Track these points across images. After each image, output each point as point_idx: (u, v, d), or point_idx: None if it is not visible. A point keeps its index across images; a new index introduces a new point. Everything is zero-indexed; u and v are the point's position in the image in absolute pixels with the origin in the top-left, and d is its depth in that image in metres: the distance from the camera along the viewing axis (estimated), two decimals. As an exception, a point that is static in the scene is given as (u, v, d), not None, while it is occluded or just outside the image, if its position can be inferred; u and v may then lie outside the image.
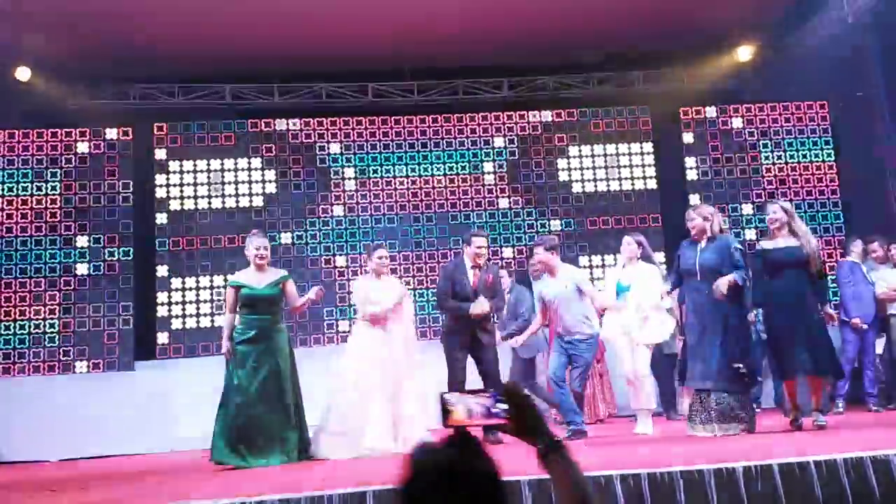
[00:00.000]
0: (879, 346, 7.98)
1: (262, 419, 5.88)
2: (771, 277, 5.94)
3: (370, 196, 10.47)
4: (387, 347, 6.36)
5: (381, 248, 6.70)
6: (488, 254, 6.83)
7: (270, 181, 10.40)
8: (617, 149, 10.80)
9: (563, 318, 6.49)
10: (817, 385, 5.97)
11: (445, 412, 1.70)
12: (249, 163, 10.40)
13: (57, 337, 9.64)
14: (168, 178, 10.26)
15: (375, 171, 10.54)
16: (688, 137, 10.79)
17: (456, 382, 6.47)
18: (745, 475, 3.67)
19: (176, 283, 10.02)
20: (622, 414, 8.82)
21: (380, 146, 10.61)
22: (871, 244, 8.19)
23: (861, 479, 3.67)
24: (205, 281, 10.04)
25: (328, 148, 10.54)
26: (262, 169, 10.41)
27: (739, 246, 6.01)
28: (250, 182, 10.37)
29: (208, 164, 10.35)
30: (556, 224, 10.53)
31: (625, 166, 10.78)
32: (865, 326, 7.77)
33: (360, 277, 6.83)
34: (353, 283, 6.84)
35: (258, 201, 10.33)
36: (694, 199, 10.46)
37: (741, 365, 5.73)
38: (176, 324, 9.93)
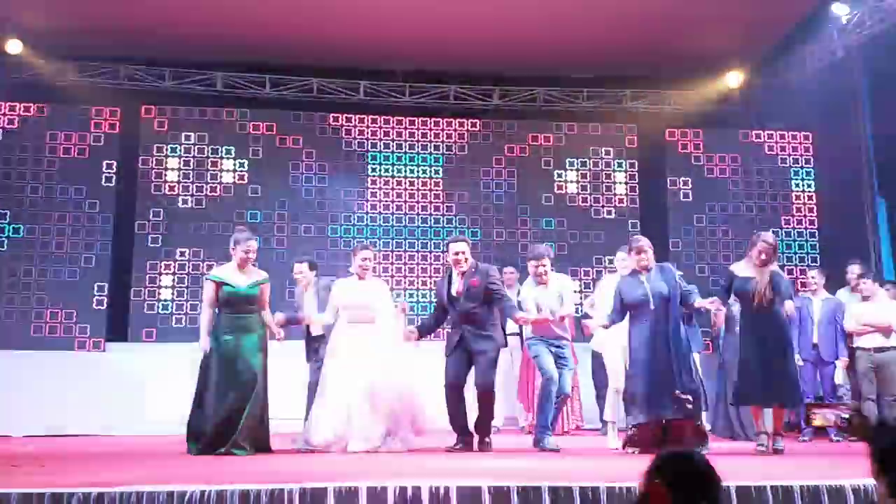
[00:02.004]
0: (839, 377, 8.06)
1: (233, 415, 5.87)
2: (743, 304, 6.21)
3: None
4: (367, 347, 6.29)
5: (367, 248, 6.63)
6: (466, 258, 6.49)
7: (254, 171, 10.42)
8: (601, 164, 10.90)
9: (553, 324, 6.55)
10: (779, 413, 6.22)
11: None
12: (233, 151, 10.42)
13: (30, 312, 9.62)
14: (151, 162, 10.24)
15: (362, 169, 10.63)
16: (672, 159, 10.90)
17: (446, 385, 6.38)
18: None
19: (153, 266, 9.99)
20: (588, 427, 8.89)
21: (367, 144, 10.68)
22: (851, 266, 8.18)
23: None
24: (182, 267, 10.01)
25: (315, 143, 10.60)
26: (245, 158, 10.42)
27: (679, 272, 6.25)
28: (234, 171, 10.37)
29: (192, 150, 10.34)
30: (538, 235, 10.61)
31: (607, 182, 10.88)
32: (801, 363, 7.88)
33: (339, 279, 6.76)
34: (334, 283, 6.75)
35: (241, 191, 10.34)
36: (675, 219, 10.63)
37: (683, 391, 5.82)
38: (150, 307, 9.90)
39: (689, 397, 5.81)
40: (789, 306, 6.18)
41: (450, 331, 6.67)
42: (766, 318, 6.07)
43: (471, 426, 6.44)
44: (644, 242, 6.17)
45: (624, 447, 6.13)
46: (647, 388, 5.91)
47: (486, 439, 6.37)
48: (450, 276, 6.59)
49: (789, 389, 6.05)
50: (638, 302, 6.03)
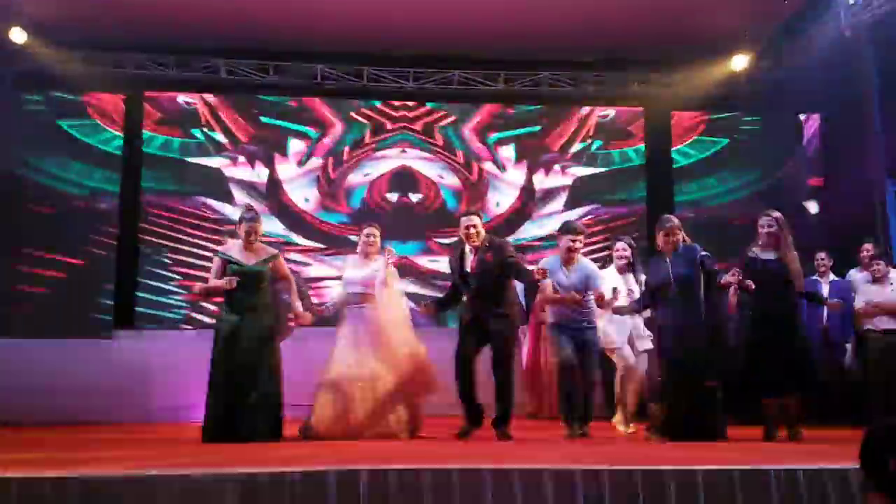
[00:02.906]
0: (849, 359, 8.01)
1: (243, 397, 5.82)
2: (757, 287, 5.93)
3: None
4: (368, 329, 6.20)
5: (370, 226, 6.53)
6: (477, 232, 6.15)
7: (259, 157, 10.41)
8: (607, 147, 10.85)
9: (573, 308, 6.29)
10: (796, 402, 6.06)
11: None
12: (237, 138, 10.41)
13: (38, 300, 9.64)
14: (157, 148, 10.23)
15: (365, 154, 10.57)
16: (679, 141, 10.83)
17: (455, 356, 6.13)
18: (704, 479, 3.71)
19: (159, 253, 10.01)
20: (598, 415, 8.84)
21: (372, 129, 10.64)
22: (866, 245, 8.09)
23: (819, 491, 3.72)
24: (189, 254, 10.03)
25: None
26: (250, 145, 10.43)
27: (706, 253, 5.97)
28: (238, 158, 10.37)
29: (196, 137, 10.33)
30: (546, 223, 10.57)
31: (613, 166, 10.84)
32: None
33: (349, 257, 6.66)
34: (344, 260, 6.70)
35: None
36: (681, 202, 10.58)
37: (710, 379, 5.73)
38: (158, 293, 9.93)
39: (716, 384, 5.68)
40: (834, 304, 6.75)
41: (463, 311, 6.33)
42: (782, 303, 5.97)
43: (480, 400, 6.21)
44: (676, 223, 6.02)
45: (647, 429, 6.00)
46: (671, 373, 5.82)
47: (506, 429, 6.02)
48: (461, 252, 6.28)
49: (804, 375, 5.88)
50: (660, 284, 5.92)
